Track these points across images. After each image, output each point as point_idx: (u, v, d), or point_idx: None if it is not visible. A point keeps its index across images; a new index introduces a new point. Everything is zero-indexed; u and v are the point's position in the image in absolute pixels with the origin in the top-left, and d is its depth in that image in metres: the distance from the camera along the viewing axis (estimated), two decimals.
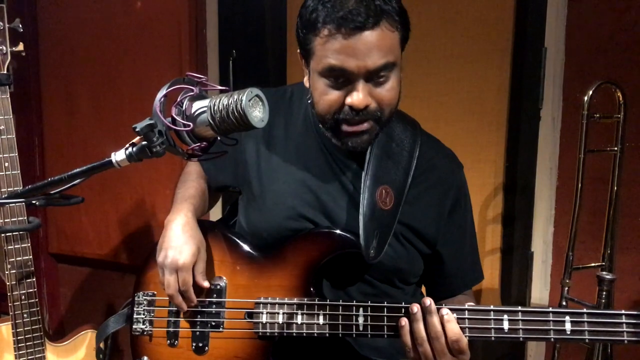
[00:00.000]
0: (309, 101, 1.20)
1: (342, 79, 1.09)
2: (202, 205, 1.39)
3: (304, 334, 1.18)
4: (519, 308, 1.08)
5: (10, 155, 1.69)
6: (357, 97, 1.08)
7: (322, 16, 1.06)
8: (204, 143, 0.97)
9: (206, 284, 1.25)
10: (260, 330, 1.22)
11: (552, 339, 1.07)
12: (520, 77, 2.05)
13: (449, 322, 1.07)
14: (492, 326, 1.08)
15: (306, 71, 1.19)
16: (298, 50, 1.18)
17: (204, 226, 1.34)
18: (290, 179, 1.27)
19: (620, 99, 1.72)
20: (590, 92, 1.70)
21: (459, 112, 2.11)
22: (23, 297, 1.73)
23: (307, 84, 1.20)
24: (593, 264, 1.81)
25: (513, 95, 2.07)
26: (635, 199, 1.85)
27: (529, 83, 2.02)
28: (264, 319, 1.21)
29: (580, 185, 1.76)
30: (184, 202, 1.32)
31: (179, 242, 1.22)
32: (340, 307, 1.17)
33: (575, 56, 1.92)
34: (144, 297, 1.33)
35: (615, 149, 1.74)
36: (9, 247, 1.71)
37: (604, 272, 1.63)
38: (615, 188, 1.75)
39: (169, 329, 1.30)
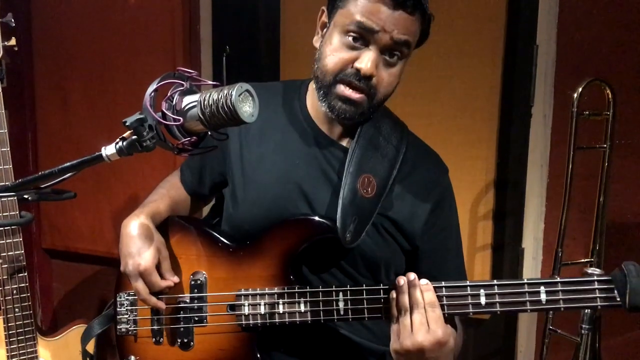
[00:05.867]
0: (314, 64, 1.22)
1: (360, 40, 1.13)
2: (166, 208, 1.37)
3: (287, 323, 1.19)
4: (495, 282, 1.09)
5: (2, 149, 1.69)
6: (367, 64, 1.12)
7: None
8: (194, 137, 0.98)
9: (175, 278, 1.25)
10: (244, 322, 1.22)
11: (529, 310, 1.09)
12: (511, 75, 2.06)
13: (427, 290, 1.10)
14: (470, 301, 1.10)
15: (319, 31, 1.23)
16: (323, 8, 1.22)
17: (177, 222, 1.34)
18: (272, 169, 1.27)
19: (610, 96, 1.73)
20: (580, 90, 1.72)
21: (451, 109, 2.12)
22: (15, 291, 1.73)
23: (315, 44, 1.23)
24: (582, 260, 1.83)
25: (505, 93, 2.08)
26: (624, 195, 1.87)
27: (521, 80, 2.03)
28: (246, 310, 1.21)
29: (570, 181, 1.78)
30: (143, 207, 1.33)
31: (135, 247, 1.23)
32: (321, 293, 1.17)
33: (567, 54, 1.93)
34: (126, 297, 1.32)
35: (605, 146, 1.75)
36: (1, 242, 1.71)
37: (592, 268, 1.64)
38: (605, 185, 1.77)
39: (154, 327, 1.29)
